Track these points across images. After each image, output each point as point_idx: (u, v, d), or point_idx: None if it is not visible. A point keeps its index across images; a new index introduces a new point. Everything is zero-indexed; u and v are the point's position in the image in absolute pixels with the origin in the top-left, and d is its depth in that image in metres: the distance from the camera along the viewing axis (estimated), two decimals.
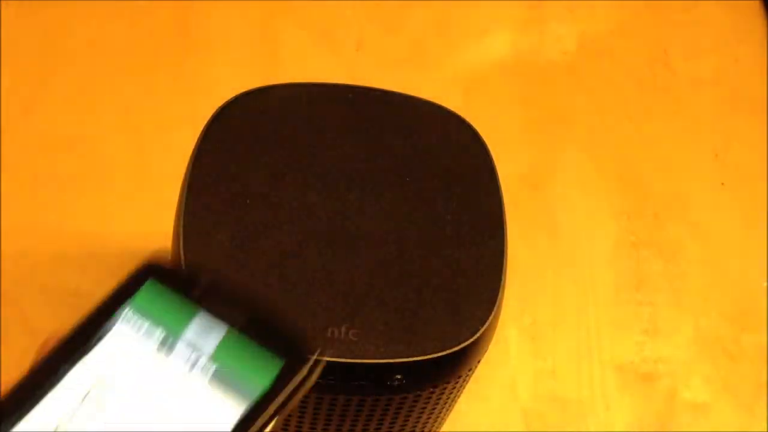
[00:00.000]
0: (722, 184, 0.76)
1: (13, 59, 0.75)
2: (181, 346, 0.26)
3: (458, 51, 0.80)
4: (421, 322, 0.41)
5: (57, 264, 0.64)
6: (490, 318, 0.42)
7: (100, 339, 0.27)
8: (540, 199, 0.73)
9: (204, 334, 0.26)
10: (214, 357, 0.26)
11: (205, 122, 0.47)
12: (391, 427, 0.47)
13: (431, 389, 0.44)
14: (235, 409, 0.25)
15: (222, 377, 0.26)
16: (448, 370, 0.43)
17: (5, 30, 0.76)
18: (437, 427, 0.52)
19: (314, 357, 0.26)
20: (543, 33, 0.82)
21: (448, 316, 0.42)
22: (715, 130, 0.79)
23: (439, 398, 0.46)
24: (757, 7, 0.85)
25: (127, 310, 0.27)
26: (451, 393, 0.46)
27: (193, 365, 0.26)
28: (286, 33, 0.79)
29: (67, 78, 0.75)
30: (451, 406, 0.49)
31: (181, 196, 0.44)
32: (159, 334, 0.27)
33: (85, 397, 0.26)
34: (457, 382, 0.45)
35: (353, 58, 0.78)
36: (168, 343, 0.26)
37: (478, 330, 0.42)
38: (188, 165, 0.45)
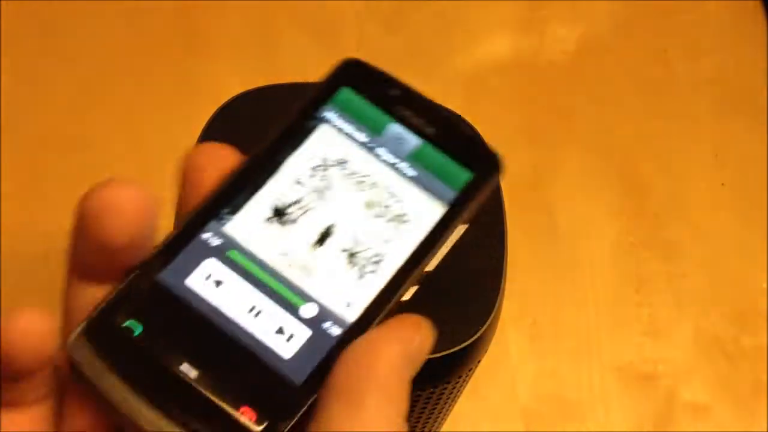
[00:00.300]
0: (722, 184, 0.76)
1: (14, 58, 0.75)
2: (381, 150, 0.29)
3: (458, 51, 0.80)
4: None
5: (57, 264, 0.64)
6: (490, 318, 0.42)
7: (308, 135, 0.29)
8: (540, 198, 0.73)
9: (399, 142, 0.29)
10: (411, 162, 0.29)
11: (205, 122, 0.47)
12: None
13: (431, 389, 0.44)
14: (433, 210, 0.28)
15: (419, 181, 0.28)
16: (448, 370, 0.43)
17: (5, 29, 0.76)
18: (437, 427, 0.52)
19: (496, 171, 0.29)
20: (543, 33, 0.82)
21: (448, 316, 0.42)
22: (716, 131, 0.79)
23: (439, 398, 0.46)
24: (758, 7, 0.85)
25: (329, 110, 0.30)
26: (451, 393, 0.46)
27: (393, 167, 0.29)
28: (286, 33, 0.79)
29: (66, 78, 0.75)
30: (451, 406, 0.49)
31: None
32: (360, 135, 0.29)
33: (303, 182, 0.28)
34: (457, 383, 0.45)
35: None
36: (368, 145, 0.29)
37: (478, 330, 0.42)
38: None
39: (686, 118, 0.79)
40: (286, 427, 0.24)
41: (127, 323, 0.25)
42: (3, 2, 0.77)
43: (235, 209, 0.27)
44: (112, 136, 0.72)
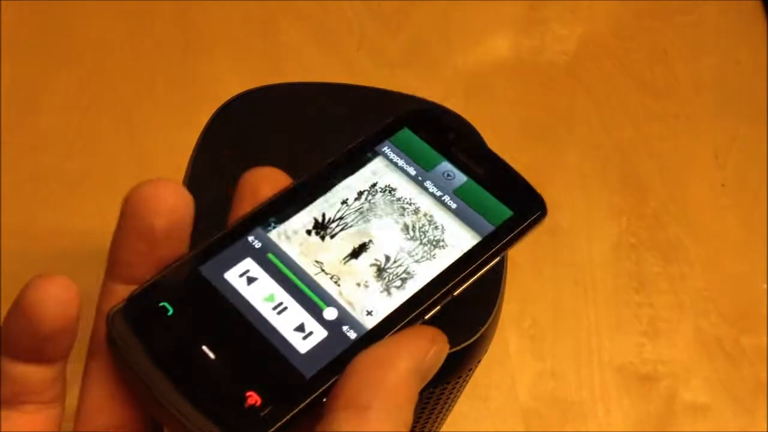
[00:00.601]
0: (722, 185, 0.76)
1: (14, 58, 0.75)
2: (428, 183, 0.32)
3: (458, 51, 0.80)
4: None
5: (57, 264, 0.64)
6: (491, 318, 0.42)
7: (363, 164, 0.32)
8: None
9: (447, 178, 0.32)
10: (455, 196, 0.31)
11: (205, 122, 0.47)
12: None
13: (431, 389, 0.44)
14: (469, 240, 0.30)
15: (459, 214, 0.31)
16: (448, 370, 0.43)
17: (5, 28, 0.76)
18: (437, 428, 0.52)
19: (537, 214, 0.31)
20: (543, 33, 0.82)
21: (448, 316, 0.42)
22: (716, 132, 0.79)
23: (439, 398, 0.45)
24: (758, 8, 0.86)
25: (387, 145, 0.33)
26: (451, 393, 0.46)
27: (437, 199, 0.31)
28: (286, 33, 0.79)
29: (66, 77, 0.75)
30: (451, 406, 0.49)
31: None
32: (411, 170, 0.32)
33: (350, 203, 0.31)
34: (457, 383, 0.45)
35: (353, 58, 0.78)
36: (417, 179, 0.32)
37: (479, 330, 0.41)
38: (188, 164, 0.45)
39: (686, 119, 0.79)
40: (286, 416, 0.26)
41: (162, 304, 0.27)
42: (3, 2, 0.77)
43: (280, 220, 0.30)
44: (112, 136, 0.72)
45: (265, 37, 0.79)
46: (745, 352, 0.68)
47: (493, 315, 0.42)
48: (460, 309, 0.42)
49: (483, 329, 0.42)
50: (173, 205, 0.27)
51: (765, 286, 0.71)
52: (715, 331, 0.68)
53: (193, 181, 0.44)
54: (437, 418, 0.49)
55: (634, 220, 0.73)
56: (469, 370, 0.45)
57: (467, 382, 0.47)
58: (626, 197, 0.74)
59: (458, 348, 0.41)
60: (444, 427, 0.54)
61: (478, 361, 0.45)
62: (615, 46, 0.82)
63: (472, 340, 0.41)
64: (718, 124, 0.79)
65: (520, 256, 0.69)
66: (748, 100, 0.81)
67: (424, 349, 0.27)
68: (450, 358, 0.42)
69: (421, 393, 0.44)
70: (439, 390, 0.44)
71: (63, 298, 0.25)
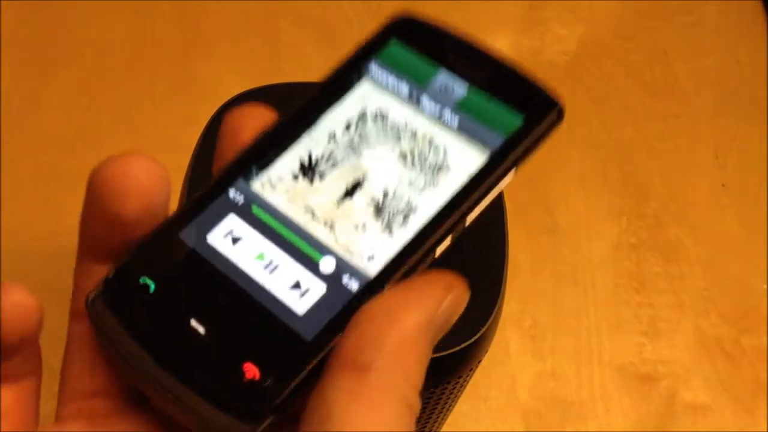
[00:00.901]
0: (723, 185, 0.76)
1: (14, 58, 0.75)
2: (425, 100, 0.28)
3: None
4: None
5: (57, 263, 0.64)
6: (491, 318, 0.42)
7: (348, 90, 0.28)
8: (540, 199, 0.73)
9: (447, 90, 0.28)
10: (457, 110, 0.27)
11: (206, 121, 0.47)
12: None
13: (431, 389, 0.44)
14: (476, 159, 0.26)
15: (463, 130, 0.27)
16: (448, 370, 0.43)
17: (5, 28, 0.76)
18: (437, 427, 0.52)
19: (553, 117, 0.28)
20: (543, 33, 0.82)
21: None
22: (716, 132, 0.79)
23: (440, 398, 0.45)
24: (758, 8, 0.85)
25: (376, 63, 0.29)
26: (451, 393, 0.46)
27: (436, 117, 0.27)
28: (286, 33, 0.79)
29: (67, 77, 0.75)
30: (451, 406, 0.49)
31: (181, 195, 0.44)
32: (405, 86, 0.28)
33: (340, 135, 0.27)
34: (457, 383, 0.45)
35: None
36: (413, 96, 0.28)
37: (479, 330, 0.42)
38: (189, 164, 0.45)
39: (687, 119, 0.79)
40: (289, 385, 0.23)
41: (142, 280, 0.25)
42: (3, 2, 0.77)
43: (263, 167, 0.27)
44: (112, 136, 0.72)
45: (266, 37, 0.79)
46: (745, 352, 0.68)
47: (493, 315, 0.42)
48: None
49: (483, 329, 0.42)
50: (144, 187, 0.24)
51: (765, 286, 0.71)
52: (715, 331, 0.68)
53: (194, 181, 0.44)
54: (437, 417, 0.49)
55: (635, 220, 0.73)
56: (470, 370, 0.45)
57: (468, 382, 0.47)
58: (626, 197, 0.74)
59: (459, 348, 0.41)
60: (444, 427, 0.54)
61: (479, 361, 0.45)
62: (615, 46, 0.82)
63: (472, 340, 0.41)
64: (719, 124, 0.79)
65: (520, 256, 0.69)
66: (748, 100, 0.81)
67: (437, 299, 0.23)
68: (450, 358, 0.42)
69: (422, 393, 0.44)
70: (439, 390, 0.44)
71: (22, 307, 0.23)
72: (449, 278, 0.24)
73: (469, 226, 0.27)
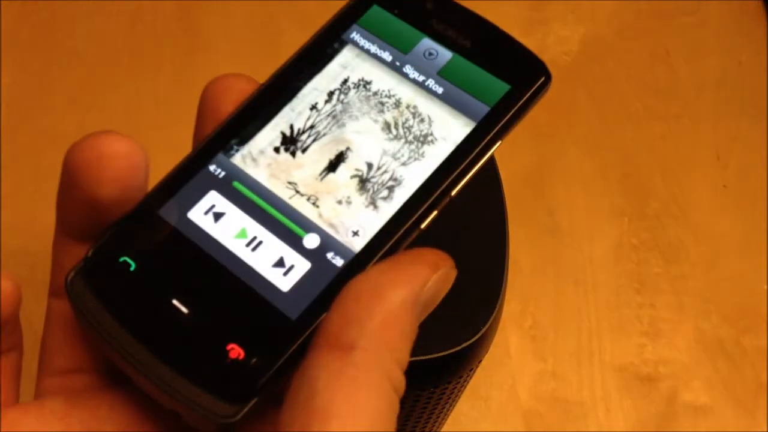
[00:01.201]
0: (724, 186, 0.76)
1: (15, 57, 0.75)
2: (408, 68, 0.27)
3: None
4: (422, 322, 0.41)
5: None
6: (491, 318, 0.42)
7: (329, 59, 0.28)
8: (541, 199, 0.73)
9: (430, 58, 0.27)
10: (441, 78, 0.27)
11: None
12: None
13: (432, 389, 0.43)
14: (462, 128, 0.26)
15: (448, 98, 0.26)
16: (448, 370, 0.43)
17: (6, 27, 0.76)
18: (438, 428, 0.52)
19: (539, 82, 0.27)
20: (545, 34, 0.82)
21: (449, 316, 0.42)
22: (718, 132, 0.79)
23: (440, 398, 0.45)
24: (760, 9, 0.85)
25: (356, 31, 0.28)
26: (451, 393, 0.46)
27: (420, 85, 0.27)
28: (287, 32, 0.79)
29: (68, 76, 0.75)
30: (451, 406, 0.49)
31: None
32: (387, 54, 0.27)
33: (321, 106, 0.27)
34: (457, 383, 0.45)
35: None
36: (395, 64, 0.27)
37: (480, 330, 0.41)
38: None
39: (688, 120, 0.79)
40: (274, 365, 0.23)
41: (122, 259, 0.24)
42: (3, 2, 0.77)
43: (243, 140, 0.26)
44: None
45: (267, 37, 0.79)
46: (746, 352, 0.68)
47: (494, 315, 0.42)
48: (461, 309, 0.42)
49: (484, 329, 0.42)
50: (120, 170, 0.23)
51: (766, 287, 0.71)
52: (716, 332, 0.68)
53: None
54: (438, 417, 0.49)
55: (635, 221, 0.73)
56: (470, 370, 0.45)
57: (468, 382, 0.47)
58: (627, 198, 0.74)
59: (459, 348, 0.41)
60: (444, 427, 0.54)
61: (479, 361, 0.45)
62: (617, 46, 0.82)
63: (473, 340, 0.41)
64: (720, 125, 0.79)
65: (521, 256, 0.69)
66: (750, 100, 0.80)
67: (423, 276, 0.23)
68: (451, 358, 0.42)
69: (422, 393, 0.44)
70: (439, 390, 0.44)
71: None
72: (435, 256, 0.23)
73: (455, 196, 0.26)
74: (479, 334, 0.41)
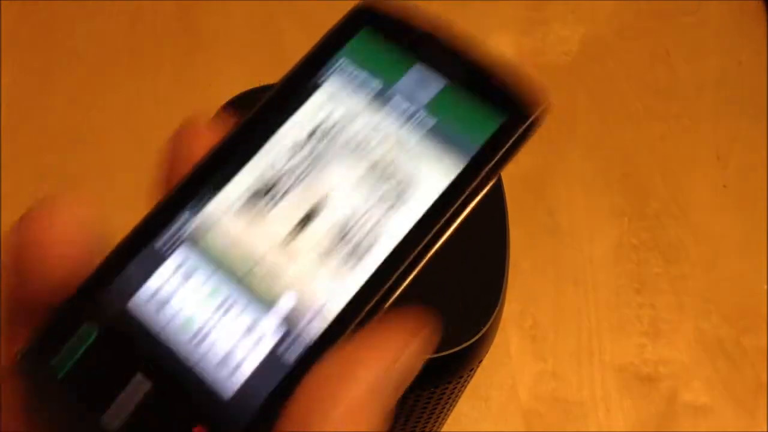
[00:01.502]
0: (724, 186, 0.76)
1: (15, 57, 0.75)
2: (397, 98, 0.24)
3: None
4: None
5: None
6: (492, 318, 0.42)
7: (312, 90, 0.25)
8: (541, 200, 0.73)
9: (421, 87, 0.24)
10: (431, 110, 0.24)
11: None
12: (392, 427, 0.47)
13: (432, 389, 0.43)
14: (452, 165, 0.23)
15: (439, 131, 0.24)
16: (449, 370, 0.43)
17: (6, 27, 0.76)
18: (438, 427, 0.52)
19: (537, 112, 0.24)
20: (545, 34, 0.82)
21: (449, 317, 0.42)
22: (717, 132, 0.79)
23: (440, 398, 0.45)
24: (760, 9, 0.85)
25: (341, 59, 0.26)
26: (452, 393, 0.46)
27: (409, 118, 0.24)
28: (288, 32, 0.79)
29: (69, 76, 0.75)
30: (452, 406, 0.49)
31: None
32: (374, 84, 0.25)
33: (297, 150, 0.24)
34: (458, 383, 0.45)
35: None
36: (383, 95, 0.24)
37: (480, 330, 0.41)
38: None
39: (688, 120, 0.79)
40: None
41: (82, 330, 0.22)
42: (3, 2, 0.77)
43: (206, 198, 0.23)
44: (113, 135, 0.72)
45: (267, 37, 0.79)
46: (746, 352, 0.68)
47: (494, 315, 0.42)
48: (461, 309, 0.42)
49: (484, 329, 0.42)
50: (64, 256, 0.21)
51: (765, 287, 0.71)
52: (715, 332, 0.68)
53: None
54: (438, 417, 0.49)
55: (636, 221, 0.73)
56: (471, 370, 0.45)
57: (468, 382, 0.47)
58: (627, 198, 0.74)
59: (459, 348, 0.41)
60: (445, 427, 0.54)
61: (480, 361, 0.45)
62: (617, 46, 0.82)
63: (473, 340, 0.41)
64: (720, 125, 0.79)
65: (521, 256, 0.69)
66: (749, 100, 0.80)
67: (396, 350, 0.20)
68: (451, 358, 0.42)
69: (422, 393, 0.44)
70: (440, 390, 0.44)
71: None
72: (414, 321, 0.21)
73: (442, 246, 0.24)
74: (479, 335, 0.41)
